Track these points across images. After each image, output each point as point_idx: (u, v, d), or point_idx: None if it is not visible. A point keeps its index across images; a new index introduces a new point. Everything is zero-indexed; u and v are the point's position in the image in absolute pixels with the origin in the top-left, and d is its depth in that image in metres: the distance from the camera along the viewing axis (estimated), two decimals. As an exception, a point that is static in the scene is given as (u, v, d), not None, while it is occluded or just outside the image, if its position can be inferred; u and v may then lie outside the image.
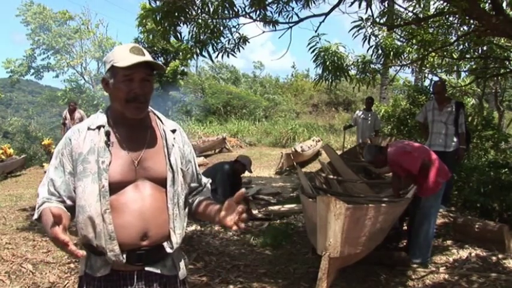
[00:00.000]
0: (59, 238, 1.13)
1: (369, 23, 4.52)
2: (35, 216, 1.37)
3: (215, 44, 4.74)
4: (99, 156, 1.35)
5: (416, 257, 3.69)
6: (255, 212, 5.31)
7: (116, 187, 1.35)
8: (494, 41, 5.55)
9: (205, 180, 1.65)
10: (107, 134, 1.38)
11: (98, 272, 1.37)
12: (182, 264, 1.52)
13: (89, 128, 1.40)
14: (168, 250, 1.42)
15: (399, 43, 5.32)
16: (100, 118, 1.42)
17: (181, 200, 1.45)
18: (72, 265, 3.61)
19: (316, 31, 4.59)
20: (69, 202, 1.37)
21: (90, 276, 1.39)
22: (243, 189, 1.37)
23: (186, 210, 1.51)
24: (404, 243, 4.12)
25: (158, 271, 1.41)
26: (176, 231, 1.43)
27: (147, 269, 1.40)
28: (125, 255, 1.35)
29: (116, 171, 1.35)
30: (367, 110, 7.92)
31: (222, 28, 4.73)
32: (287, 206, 5.58)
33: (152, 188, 1.40)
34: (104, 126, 1.39)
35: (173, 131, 1.51)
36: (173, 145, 1.47)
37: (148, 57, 1.36)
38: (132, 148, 1.40)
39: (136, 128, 1.43)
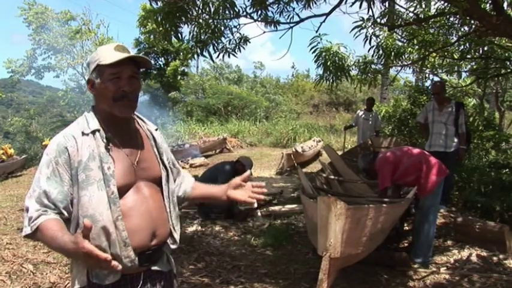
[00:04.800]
0: (93, 252, 1.03)
1: (370, 24, 4.51)
2: (28, 230, 1.24)
3: (216, 44, 4.75)
4: (103, 162, 1.29)
5: (418, 256, 3.70)
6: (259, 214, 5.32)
7: (120, 192, 1.32)
8: (495, 42, 5.55)
9: (180, 169, 1.67)
10: (108, 138, 1.34)
11: (106, 279, 1.31)
12: (171, 258, 1.56)
13: (83, 134, 1.32)
14: (172, 246, 1.47)
15: (400, 43, 5.31)
16: (92, 122, 1.35)
17: (175, 197, 1.50)
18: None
19: (317, 31, 4.59)
20: (66, 214, 1.28)
21: (97, 285, 1.32)
22: (248, 171, 1.58)
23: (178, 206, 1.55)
24: (406, 244, 4.11)
25: (160, 268, 1.44)
26: (175, 227, 1.47)
27: (152, 268, 1.41)
28: (137, 258, 1.34)
29: (120, 175, 1.32)
30: (368, 110, 7.92)
31: (222, 28, 4.74)
32: (288, 207, 5.58)
33: (150, 188, 1.41)
34: (99, 131, 1.34)
35: (156, 131, 1.54)
36: (162, 144, 1.51)
37: (133, 54, 1.36)
38: (129, 150, 1.39)
39: (125, 129, 1.42)
